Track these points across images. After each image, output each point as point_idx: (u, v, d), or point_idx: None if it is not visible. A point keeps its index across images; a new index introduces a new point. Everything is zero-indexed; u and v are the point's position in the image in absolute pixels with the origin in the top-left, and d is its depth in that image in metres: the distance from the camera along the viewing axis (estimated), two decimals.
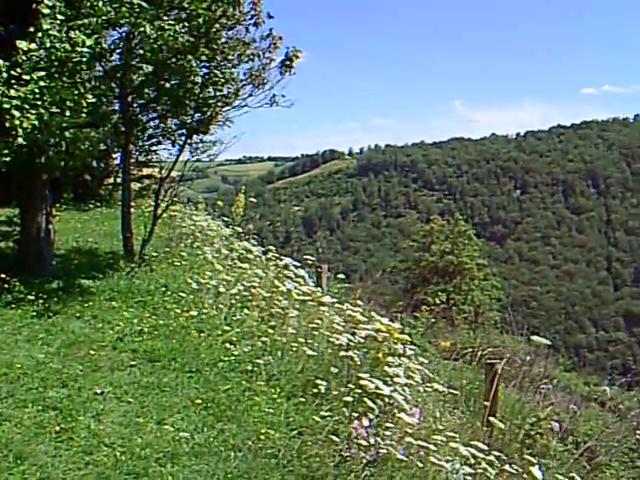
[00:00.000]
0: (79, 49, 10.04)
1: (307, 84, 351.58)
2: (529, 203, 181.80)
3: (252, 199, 19.16)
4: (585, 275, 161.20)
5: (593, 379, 26.55)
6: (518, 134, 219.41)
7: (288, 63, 13.49)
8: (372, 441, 5.49)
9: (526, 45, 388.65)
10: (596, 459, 9.54)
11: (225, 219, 17.33)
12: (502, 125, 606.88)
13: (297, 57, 13.58)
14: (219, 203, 19.83)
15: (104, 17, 10.77)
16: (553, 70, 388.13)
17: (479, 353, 15.05)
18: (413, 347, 7.88)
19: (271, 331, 8.82)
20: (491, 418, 6.13)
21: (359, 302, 9.27)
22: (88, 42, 10.13)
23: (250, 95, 13.55)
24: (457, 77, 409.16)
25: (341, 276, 14.54)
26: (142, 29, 11.23)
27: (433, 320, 20.88)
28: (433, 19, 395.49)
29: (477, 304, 40.16)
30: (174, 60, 12.26)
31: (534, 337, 7.04)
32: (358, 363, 7.07)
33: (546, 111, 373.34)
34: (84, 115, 10.74)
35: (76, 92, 10.25)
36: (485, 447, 5.44)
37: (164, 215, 14.74)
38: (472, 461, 5.32)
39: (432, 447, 5.23)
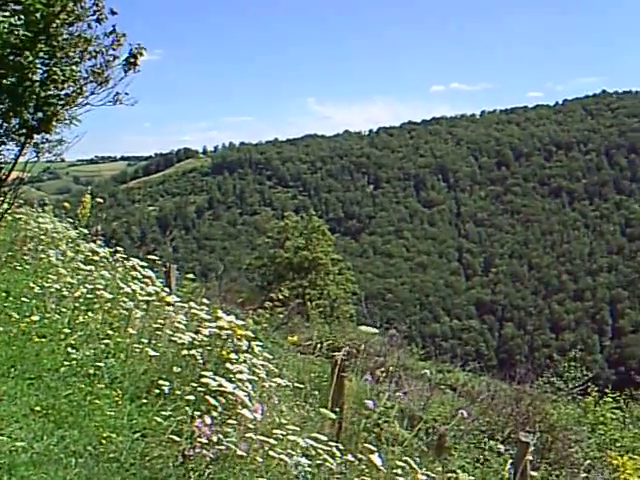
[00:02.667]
0: None
1: (159, 82, 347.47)
2: (382, 198, 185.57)
3: (99, 200, 18.73)
4: (438, 266, 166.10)
5: (447, 366, 27.41)
6: (371, 130, 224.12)
7: (132, 60, 13.21)
8: (215, 439, 5.46)
9: (376, 43, 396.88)
10: (445, 442, 9.84)
11: (72, 221, 16.86)
12: (355, 122, 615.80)
13: (141, 54, 13.32)
14: (66, 204, 19.24)
15: None
16: (403, 68, 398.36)
17: (326, 345, 15.27)
18: (260, 343, 7.89)
19: (115, 333, 8.64)
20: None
21: (205, 300, 9.21)
22: None
23: (92, 93, 13.22)
24: (310, 75, 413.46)
25: (191, 275, 14.42)
26: None
27: (286, 315, 21.02)
28: (284, 17, 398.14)
29: (333, 298, 40.71)
30: (11, 57, 11.80)
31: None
32: (200, 361, 7.03)
33: (397, 108, 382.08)
34: None
35: None
36: (325, 438, 5.51)
37: (9, 218, 14.21)
38: (313, 453, 5.38)
39: (273, 441, 5.26)
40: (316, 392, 8.31)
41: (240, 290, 36.66)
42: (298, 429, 5.65)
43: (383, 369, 17.27)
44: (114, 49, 13.24)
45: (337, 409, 6.54)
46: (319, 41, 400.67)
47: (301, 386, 7.51)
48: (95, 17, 12.98)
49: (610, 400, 15.53)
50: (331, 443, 5.46)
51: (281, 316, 20.23)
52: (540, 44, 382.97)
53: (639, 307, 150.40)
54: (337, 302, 40.50)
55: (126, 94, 13.33)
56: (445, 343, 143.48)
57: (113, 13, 13.19)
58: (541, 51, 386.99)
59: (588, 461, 12.45)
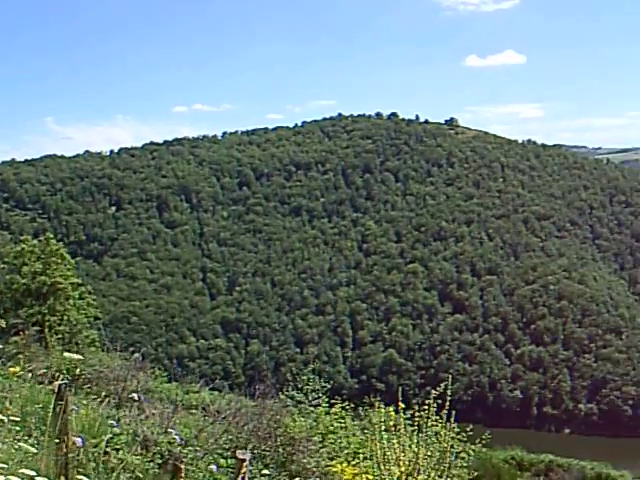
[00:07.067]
0: None
1: None
2: (124, 219, 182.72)
3: None
4: (182, 287, 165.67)
5: (193, 387, 27.33)
6: (112, 151, 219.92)
7: None
8: None
9: (118, 63, 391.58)
10: (179, 465, 9.74)
11: None
12: (96, 142, 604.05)
13: None
14: None
15: None
16: (145, 88, 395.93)
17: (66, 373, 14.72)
18: None
19: None
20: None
21: None
22: None
23: None
24: (48, 93, 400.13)
25: None
26: None
27: (22, 344, 20.10)
28: (18, 28, 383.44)
29: (74, 324, 39.46)
30: None
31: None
32: None
33: (139, 128, 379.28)
34: None
35: None
36: (33, 472, 5.25)
37: None
38: None
39: None
40: (47, 423, 7.96)
41: None
42: (6, 465, 5.35)
43: (124, 394, 16.92)
44: None
45: (59, 439, 6.29)
46: (52, 56, 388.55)
47: (17, 419, 7.13)
48: None
49: (338, 409, 16.13)
50: (39, 478, 5.21)
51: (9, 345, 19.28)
52: (280, 67, 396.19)
53: (377, 318, 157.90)
54: (78, 327, 39.28)
55: None
56: (192, 363, 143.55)
57: None
58: (281, 74, 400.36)
59: (320, 470, 12.86)
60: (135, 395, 14.12)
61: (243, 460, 7.07)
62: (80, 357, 7.35)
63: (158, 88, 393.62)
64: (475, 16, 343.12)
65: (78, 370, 17.75)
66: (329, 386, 18.64)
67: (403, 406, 8.67)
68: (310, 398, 17.76)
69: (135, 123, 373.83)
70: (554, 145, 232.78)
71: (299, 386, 18.59)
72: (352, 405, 17.58)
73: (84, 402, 11.43)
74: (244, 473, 6.89)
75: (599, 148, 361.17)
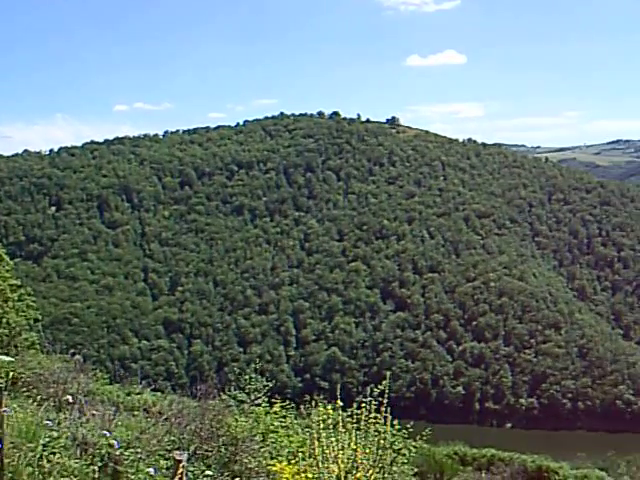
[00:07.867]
0: None
1: None
2: (65, 219, 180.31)
3: None
4: (124, 287, 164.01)
5: (135, 388, 27.07)
6: (51, 150, 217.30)
7: None
8: None
9: (57, 60, 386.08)
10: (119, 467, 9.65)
11: None
12: (35, 141, 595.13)
13: None
14: None
15: None
16: (85, 87, 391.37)
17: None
18: None
19: None
20: None
21: None
22: None
23: None
24: None
25: None
26: None
27: None
28: None
29: (12, 326, 38.81)
30: None
31: None
32: None
33: (79, 127, 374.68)
34: None
35: None
36: None
37: None
38: None
39: None
40: None
41: None
42: None
43: (64, 396, 16.67)
44: None
45: None
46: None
47: None
48: None
49: (279, 408, 16.14)
50: None
51: None
52: (221, 66, 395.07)
53: (320, 317, 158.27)
54: (16, 330, 38.63)
55: None
56: (135, 364, 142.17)
57: None
58: (222, 73, 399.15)
59: (262, 469, 12.86)
60: (70, 397, 13.90)
61: (180, 461, 7.04)
62: (11, 359, 7.23)
63: (98, 87, 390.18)
64: (416, 16, 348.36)
65: (16, 373, 17.49)
66: (271, 385, 18.61)
67: (341, 404, 8.71)
68: (252, 397, 17.72)
69: (75, 122, 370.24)
70: (494, 144, 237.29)
71: (241, 386, 18.55)
72: (294, 404, 17.58)
73: (17, 405, 11.25)
74: (181, 474, 6.86)
75: (538, 147, 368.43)
